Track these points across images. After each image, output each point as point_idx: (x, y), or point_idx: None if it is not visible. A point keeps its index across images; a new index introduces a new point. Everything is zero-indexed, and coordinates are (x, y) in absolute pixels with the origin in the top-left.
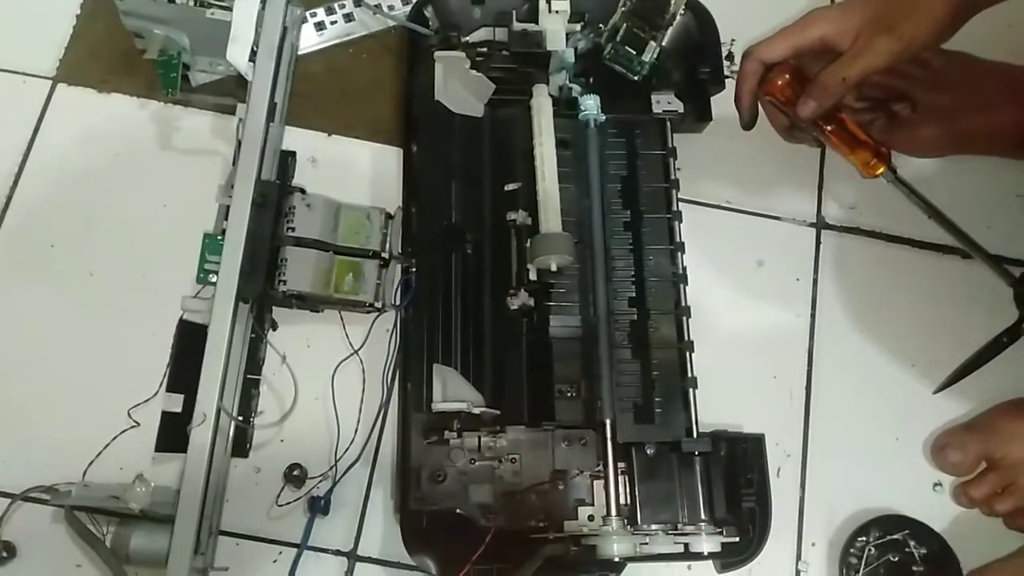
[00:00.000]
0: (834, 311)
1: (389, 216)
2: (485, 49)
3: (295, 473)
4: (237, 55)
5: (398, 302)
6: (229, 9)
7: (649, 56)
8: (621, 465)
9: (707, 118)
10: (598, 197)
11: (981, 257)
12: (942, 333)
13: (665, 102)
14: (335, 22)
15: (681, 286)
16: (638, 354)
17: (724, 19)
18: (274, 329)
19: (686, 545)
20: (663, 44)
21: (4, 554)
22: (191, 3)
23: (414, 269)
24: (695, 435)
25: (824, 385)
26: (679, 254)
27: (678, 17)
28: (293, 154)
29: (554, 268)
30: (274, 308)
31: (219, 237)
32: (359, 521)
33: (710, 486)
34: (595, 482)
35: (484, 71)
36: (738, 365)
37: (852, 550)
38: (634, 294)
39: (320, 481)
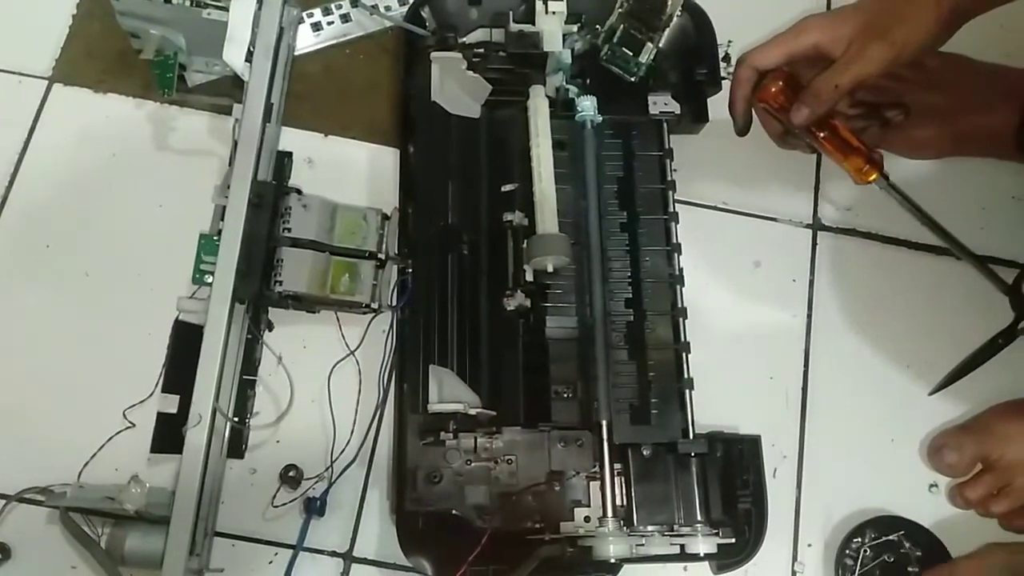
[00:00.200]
0: (830, 312)
1: (385, 217)
2: (482, 50)
3: (291, 474)
4: (233, 55)
5: (394, 303)
6: (225, 9)
7: (646, 57)
8: (617, 466)
9: (703, 119)
10: (595, 198)
11: (974, 264)
12: (938, 334)
13: (662, 103)
14: (332, 23)
15: (677, 287)
16: (634, 355)
17: (721, 21)
18: (270, 330)
19: (682, 546)
20: (660, 45)
21: None
22: (187, 3)
23: (410, 270)
24: (691, 436)
25: (820, 386)
26: (675, 255)
27: (675, 19)
28: (289, 154)
29: (550, 269)
30: (270, 309)
31: (215, 237)
32: (355, 522)
33: (706, 487)
34: (591, 483)
35: (481, 72)
36: (734, 366)
37: (848, 551)
38: (630, 295)
39: (316, 482)
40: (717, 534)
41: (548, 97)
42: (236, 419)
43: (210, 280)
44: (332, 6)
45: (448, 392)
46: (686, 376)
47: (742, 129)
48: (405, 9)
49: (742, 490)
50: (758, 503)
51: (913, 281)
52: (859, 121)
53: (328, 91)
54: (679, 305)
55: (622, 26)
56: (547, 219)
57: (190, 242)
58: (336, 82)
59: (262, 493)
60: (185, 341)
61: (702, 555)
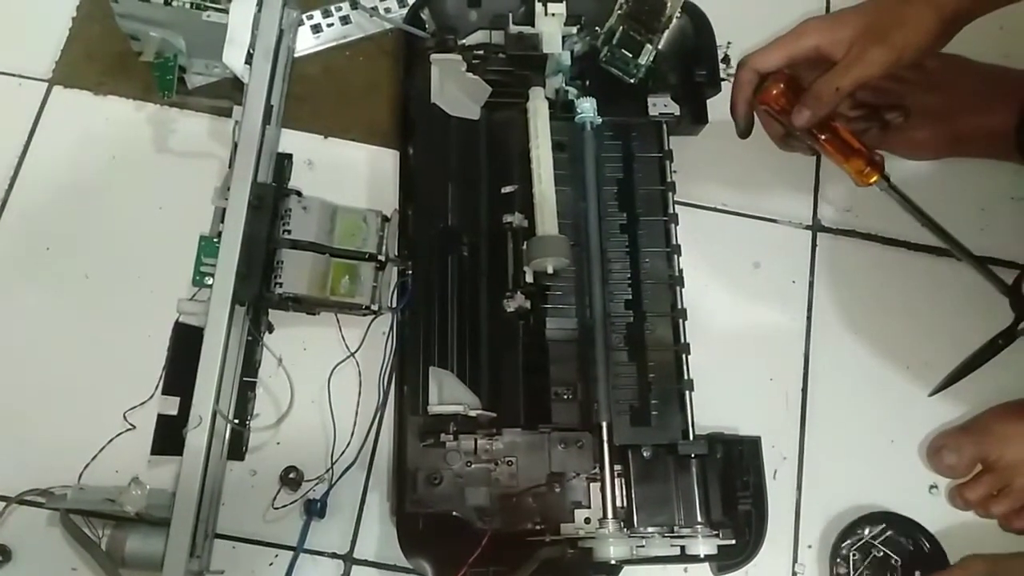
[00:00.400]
0: (830, 313)
1: (385, 218)
2: (481, 52)
3: (291, 476)
4: (233, 58)
5: (394, 305)
6: (225, 12)
7: (645, 59)
8: (617, 468)
9: (703, 121)
10: (594, 200)
11: (973, 265)
12: (938, 335)
13: (661, 105)
14: (331, 25)
15: (677, 288)
16: (634, 356)
17: (720, 22)
18: (270, 332)
19: (682, 548)
20: (659, 47)
21: (0, 557)
22: (187, 5)
23: (410, 272)
24: (691, 437)
25: (820, 387)
26: (675, 256)
27: (674, 20)
28: (289, 156)
29: (550, 270)
30: (270, 311)
31: (215, 239)
32: (355, 524)
33: (706, 489)
34: (591, 485)
35: (480, 74)
36: (734, 367)
37: (841, 547)
38: (630, 296)
39: (316, 484)
40: (717, 535)
41: (548, 99)
42: (236, 421)
43: (210, 282)
44: (332, 8)
45: (448, 394)
46: (686, 377)
47: (744, 131)
48: (405, 11)
49: (742, 491)
50: (758, 504)
51: (913, 282)
52: (859, 123)
53: (328, 93)
54: (679, 306)
55: (621, 28)
56: (547, 221)
57: (190, 244)
58: (336, 84)
59: (262, 495)
60: (185, 343)
61: (702, 556)
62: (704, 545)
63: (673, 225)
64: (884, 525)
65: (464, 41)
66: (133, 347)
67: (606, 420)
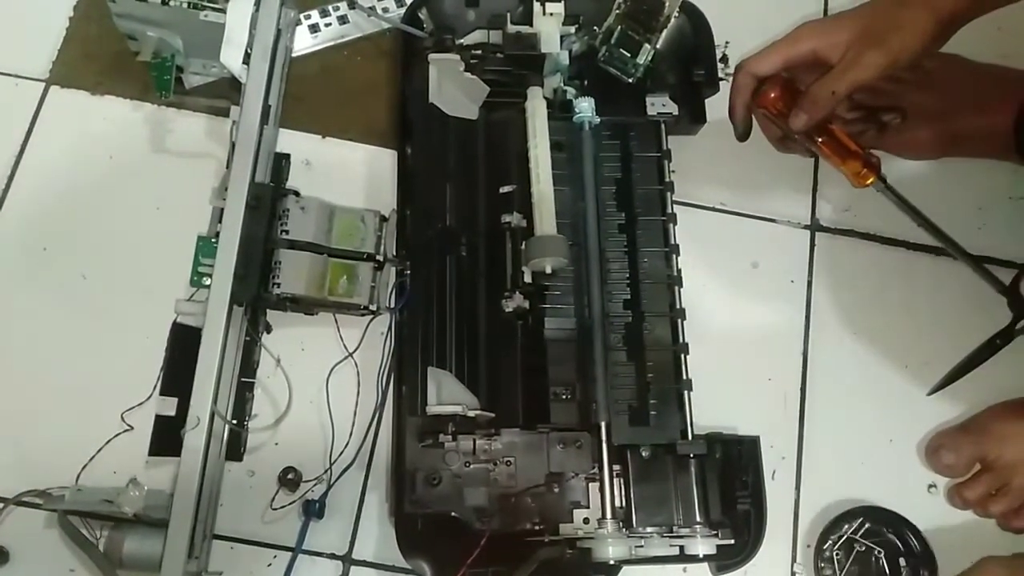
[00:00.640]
0: (828, 313)
1: (383, 218)
2: (479, 51)
3: (290, 477)
4: (231, 57)
5: (393, 305)
6: (223, 11)
7: (643, 58)
8: (616, 468)
9: (701, 120)
10: (593, 199)
11: (971, 265)
12: (936, 335)
13: (660, 104)
14: (329, 24)
15: (676, 288)
16: (633, 356)
17: (718, 21)
18: (268, 332)
19: (681, 548)
20: (657, 46)
21: None
22: (185, 5)
23: (408, 272)
24: (690, 437)
25: (819, 387)
26: (674, 256)
27: (672, 19)
28: (287, 156)
29: (549, 270)
30: (268, 311)
31: (213, 240)
32: (354, 525)
33: (705, 488)
34: (590, 485)
35: (478, 73)
36: (733, 367)
37: (823, 549)
38: (629, 296)
39: (315, 484)
40: (716, 535)
41: (546, 98)
42: (234, 421)
43: (208, 282)
44: (329, 8)
45: (447, 394)
46: (685, 377)
47: (742, 135)
48: (403, 11)
49: (741, 491)
50: (757, 504)
51: (911, 281)
52: (856, 125)
53: (326, 93)
54: (677, 306)
55: (620, 27)
56: (545, 220)
57: (188, 244)
58: (334, 84)
59: (261, 495)
60: (183, 344)
61: (701, 556)
62: (703, 545)
63: (671, 225)
64: (862, 519)
65: (462, 41)
66: (131, 348)
67: (605, 420)
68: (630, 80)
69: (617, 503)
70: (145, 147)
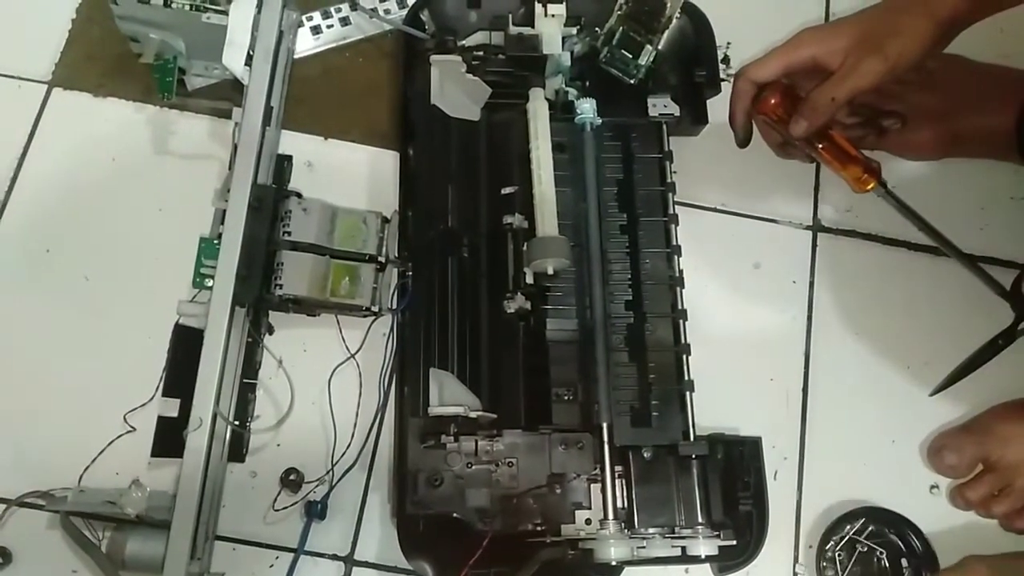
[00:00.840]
0: (830, 314)
1: (385, 220)
2: (481, 53)
3: (292, 477)
4: (233, 59)
5: (395, 306)
6: (225, 13)
7: (645, 59)
8: (618, 468)
9: (703, 121)
10: (594, 200)
11: (972, 269)
12: (938, 335)
13: (661, 105)
14: (331, 26)
15: (677, 289)
16: (635, 357)
17: (720, 22)
18: (270, 333)
19: (683, 549)
20: (659, 47)
21: (0, 560)
22: (187, 7)
23: (410, 273)
24: (692, 438)
25: (820, 388)
26: (675, 257)
27: (674, 20)
28: (289, 158)
29: (550, 271)
30: (270, 312)
31: (215, 241)
32: (356, 525)
33: (707, 489)
34: (592, 486)
35: (480, 75)
36: (735, 368)
37: (826, 550)
38: (631, 297)
39: (317, 485)
40: (718, 536)
41: (547, 100)
42: (237, 423)
43: (210, 284)
44: (331, 9)
45: (449, 395)
46: (686, 378)
47: (743, 141)
48: (404, 12)
49: (743, 492)
50: (759, 505)
51: (913, 282)
52: (857, 130)
53: (328, 94)
54: (679, 307)
55: (621, 28)
56: (547, 221)
57: (190, 246)
58: (336, 85)
59: (263, 497)
60: (185, 345)
61: (703, 557)
62: (705, 546)
63: (673, 226)
64: (864, 519)
65: (464, 42)
66: (133, 349)
67: (607, 421)
68: (632, 81)
69: (619, 504)
70: (147, 149)
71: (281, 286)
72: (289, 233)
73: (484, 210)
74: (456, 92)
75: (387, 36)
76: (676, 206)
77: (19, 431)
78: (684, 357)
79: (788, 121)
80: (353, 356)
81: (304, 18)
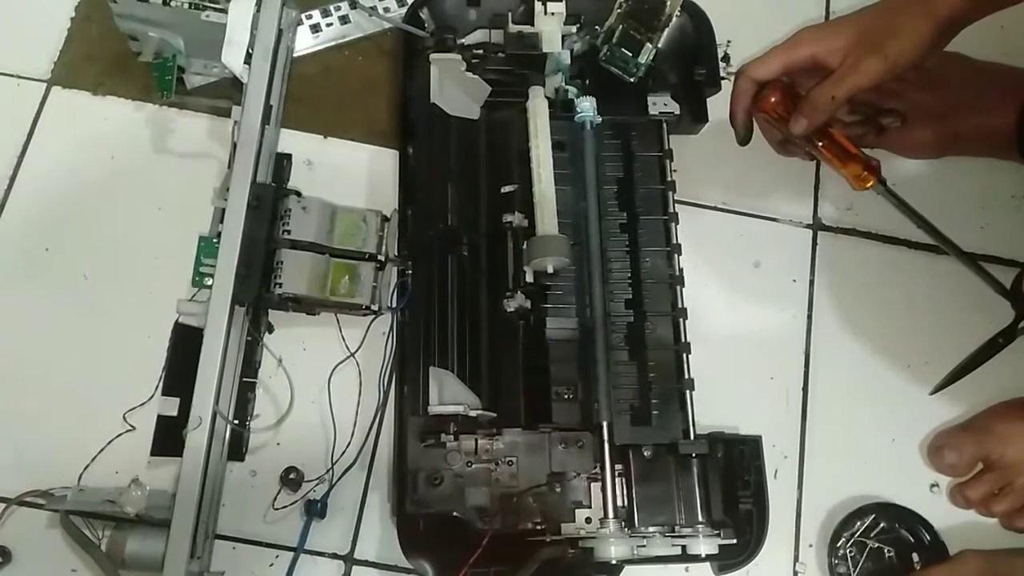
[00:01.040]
0: (830, 312)
1: (385, 218)
2: (481, 51)
3: (291, 476)
4: (232, 57)
5: (394, 305)
6: (224, 11)
7: (645, 58)
8: (618, 467)
9: (703, 120)
10: (594, 199)
11: (971, 267)
12: (938, 334)
13: (661, 104)
14: (331, 24)
15: (677, 288)
16: (635, 356)
17: (720, 20)
18: (270, 332)
19: (683, 547)
20: (659, 46)
21: (0, 559)
22: (186, 6)
23: (410, 272)
24: (692, 437)
25: (821, 386)
26: (675, 255)
27: (674, 19)
28: (289, 156)
29: (550, 270)
30: (270, 311)
31: (214, 240)
32: (356, 524)
33: (707, 488)
34: (592, 484)
35: (480, 73)
36: (735, 367)
37: (837, 547)
38: (631, 296)
39: (317, 484)
40: (718, 535)
41: (547, 98)
42: (236, 422)
43: (210, 283)
44: (331, 8)
45: (448, 394)
46: (686, 377)
47: (743, 139)
48: (404, 11)
49: (743, 491)
50: (759, 504)
51: (913, 281)
52: (856, 128)
53: (327, 93)
54: (679, 306)
55: (621, 27)
56: (547, 220)
57: (189, 244)
58: (335, 84)
59: (263, 495)
60: (185, 344)
61: (703, 556)
62: (705, 545)
63: (673, 224)
64: (874, 516)
65: (463, 40)
66: (132, 348)
67: (607, 420)
68: (631, 79)
69: (619, 503)
70: (147, 147)
71: (281, 285)
72: (289, 232)
73: (484, 209)
74: (456, 90)
75: (387, 34)
76: (676, 204)
77: (19, 430)
78: (684, 356)
79: (788, 119)
80: (353, 355)
81: (303, 16)
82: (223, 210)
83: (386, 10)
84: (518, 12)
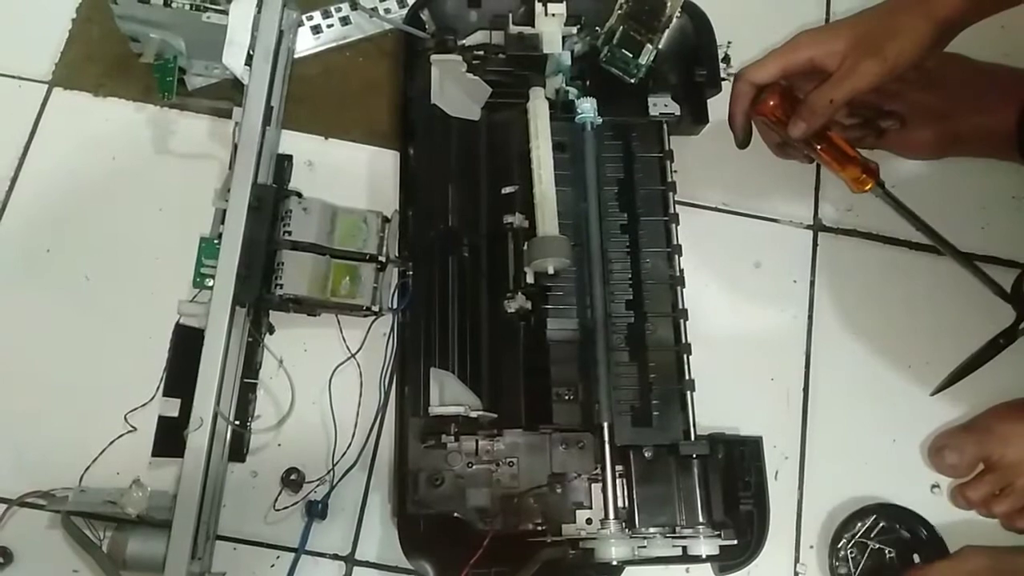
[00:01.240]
0: (831, 313)
1: (386, 219)
2: (481, 52)
3: (292, 477)
4: (233, 59)
5: (395, 306)
6: (225, 13)
7: (645, 59)
8: (619, 468)
9: (703, 120)
10: (595, 200)
11: (970, 269)
12: (939, 335)
13: (662, 105)
14: (331, 25)
15: (678, 288)
16: (635, 357)
17: (720, 21)
18: (271, 333)
19: (684, 548)
20: (659, 47)
21: (1, 560)
22: (187, 7)
23: (411, 273)
24: (693, 438)
25: (821, 387)
26: (676, 256)
27: (674, 20)
28: (289, 158)
29: (551, 271)
30: (271, 312)
31: (215, 241)
32: (356, 525)
33: (708, 489)
34: (593, 485)
35: (480, 74)
36: (735, 367)
37: (838, 548)
38: (631, 297)
39: (317, 485)
40: (719, 536)
41: (548, 99)
42: (237, 422)
43: (211, 284)
44: (331, 9)
45: (449, 395)
46: (687, 377)
47: (742, 142)
48: (405, 12)
49: (744, 492)
50: (760, 504)
51: (914, 281)
52: (855, 131)
53: (328, 94)
54: (680, 306)
55: (621, 28)
56: (547, 221)
57: (190, 246)
58: (336, 85)
59: (264, 496)
60: (186, 345)
61: (704, 557)
62: (706, 545)
63: (674, 225)
64: (875, 516)
65: (464, 41)
66: (134, 349)
67: (607, 420)
68: (632, 80)
69: (620, 503)
70: (148, 148)
71: (281, 286)
72: (289, 233)
73: (484, 210)
74: (456, 91)
75: (387, 35)
76: (676, 205)
77: (20, 431)
78: (685, 356)
79: (787, 122)
80: (354, 356)
81: (304, 17)
82: (224, 211)
83: (387, 11)
84: (519, 13)
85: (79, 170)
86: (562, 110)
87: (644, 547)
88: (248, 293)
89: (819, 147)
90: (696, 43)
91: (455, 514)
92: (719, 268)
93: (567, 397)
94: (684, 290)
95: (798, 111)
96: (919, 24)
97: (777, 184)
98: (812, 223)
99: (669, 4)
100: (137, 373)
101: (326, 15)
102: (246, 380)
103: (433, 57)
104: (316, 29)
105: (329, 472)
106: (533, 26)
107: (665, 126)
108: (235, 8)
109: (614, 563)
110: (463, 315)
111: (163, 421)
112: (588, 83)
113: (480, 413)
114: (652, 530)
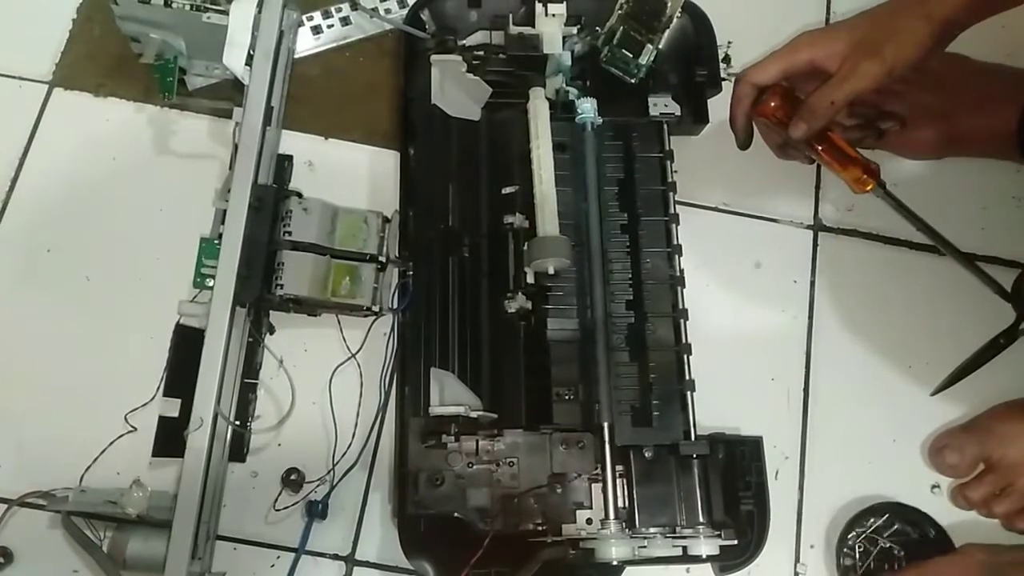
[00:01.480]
0: (831, 313)
1: (386, 220)
2: (482, 52)
3: (293, 477)
4: (234, 59)
5: (395, 306)
6: (225, 13)
7: (646, 59)
8: (619, 468)
9: (704, 120)
10: (595, 200)
11: (971, 270)
12: (939, 335)
13: (662, 105)
14: (332, 26)
15: (678, 288)
16: (636, 357)
17: (721, 21)
18: (271, 333)
19: (684, 548)
20: (660, 47)
21: (1, 560)
22: (188, 7)
23: (411, 273)
24: (693, 438)
25: (822, 387)
26: (676, 256)
27: (675, 20)
28: (290, 158)
29: (551, 271)
30: (271, 312)
31: (216, 241)
32: (357, 525)
33: (708, 489)
34: (593, 485)
35: (481, 74)
36: (736, 367)
37: (848, 538)
38: (631, 297)
39: (318, 485)
40: (719, 536)
41: (548, 99)
42: (238, 423)
43: (211, 284)
44: (332, 9)
45: (449, 395)
46: (687, 378)
47: (743, 143)
48: (405, 12)
49: (744, 491)
50: (760, 504)
51: (914, 281)
52: (856, 132)
53: (328, 94)
54: (680, 306)
55: (622, 28)
56: (548, 221)
57: (191, 246)
58: (336, 85)
59: (264, 496)
60: (186, 345)
61: (704, 557)
62: (706, 545)
63: (674, 225)
64: (888, 515)
65: (464, 42)
66: (134, 349)
67: (607, 421)
68: (632, 80)
69: (620, 504)
70: (148, 149)
71: (282, 286)
72: (290, 233)
73: (484, 210)
74: (456, 91)
75: (387, 36)
76: (677, 205)
77: (20, 431)
78: (685, 357)
79: (788, 124)
80: (354, 356)
81: (304, 18)
82: (224, 211)
83: (387, 11)
84: (519, 13)
85: (79, 170)
86: (562, 110)
87: (644, 547)
88: (248, 293)
89: (820, 148)
90: (696, 43)
91: (455, 514)
92: (719, 268)
93: (567, 397)
94: (684, 290)
95: (799, 112)
96: (919, 25)
97: (777, 184)
98: (812, 223)
99: (669, 4)
100: (137, 373)
101: (326, 15)
102: (246, 380)
103: (433, 57)
104: (316, 29)
105: (329, 472)
106: (533, 26)
107: (665, 126)
108: (235, 8)
109: (614, 563)
110: (463, 315)
111: (163, 421)
112: (588, 83)
113: (480, 413)
114: (652, 530)
